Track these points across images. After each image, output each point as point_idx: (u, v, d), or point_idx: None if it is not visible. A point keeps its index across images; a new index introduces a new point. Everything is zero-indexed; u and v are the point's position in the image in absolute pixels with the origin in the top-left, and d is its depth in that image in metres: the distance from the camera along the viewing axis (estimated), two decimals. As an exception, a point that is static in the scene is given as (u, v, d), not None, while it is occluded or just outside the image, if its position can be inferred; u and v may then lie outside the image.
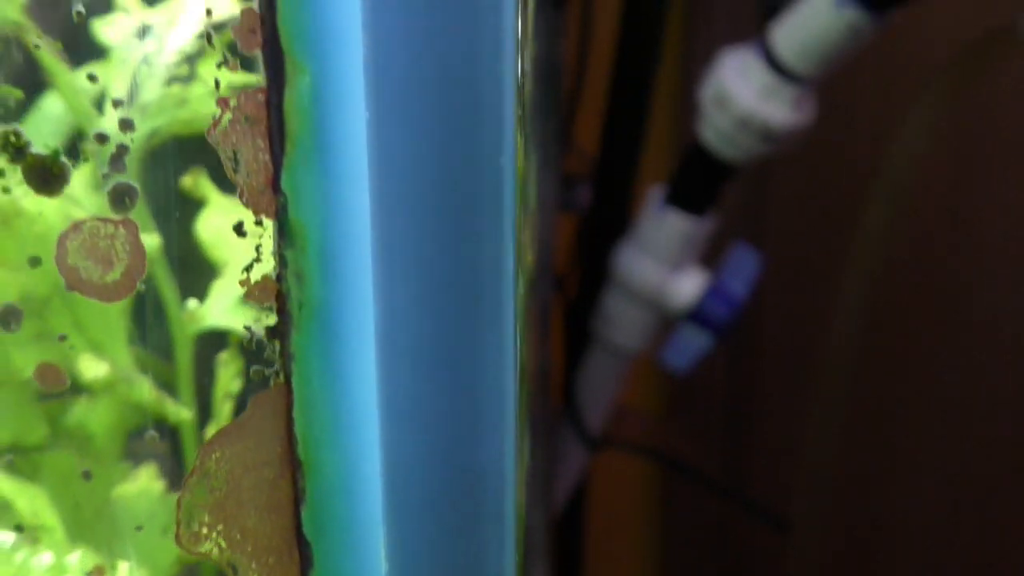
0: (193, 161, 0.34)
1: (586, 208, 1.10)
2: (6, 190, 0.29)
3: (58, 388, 0.34)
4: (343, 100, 0.30)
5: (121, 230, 0.31)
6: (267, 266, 0.31)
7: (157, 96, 0.32)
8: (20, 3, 0.30)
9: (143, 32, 0.32)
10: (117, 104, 0.32)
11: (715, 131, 0.89)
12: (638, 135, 1.03)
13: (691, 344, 0.98)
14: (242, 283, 0.31)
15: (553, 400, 1.14)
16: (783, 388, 1.31)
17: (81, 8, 0.30)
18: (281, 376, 0.32)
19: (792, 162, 1.05)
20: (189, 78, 0.34)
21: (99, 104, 0.32)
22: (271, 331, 0.32)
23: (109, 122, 0.31)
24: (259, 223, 0.31)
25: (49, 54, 0.31)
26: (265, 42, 0.29)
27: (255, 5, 0.29)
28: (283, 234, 0.31)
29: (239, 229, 0.30)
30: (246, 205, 0.31)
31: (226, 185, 0.31)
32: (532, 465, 0.92)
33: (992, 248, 1.14)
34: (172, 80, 0.33)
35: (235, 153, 0.30)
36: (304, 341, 0.32)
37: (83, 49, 0.32)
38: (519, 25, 0.32)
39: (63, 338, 0.35)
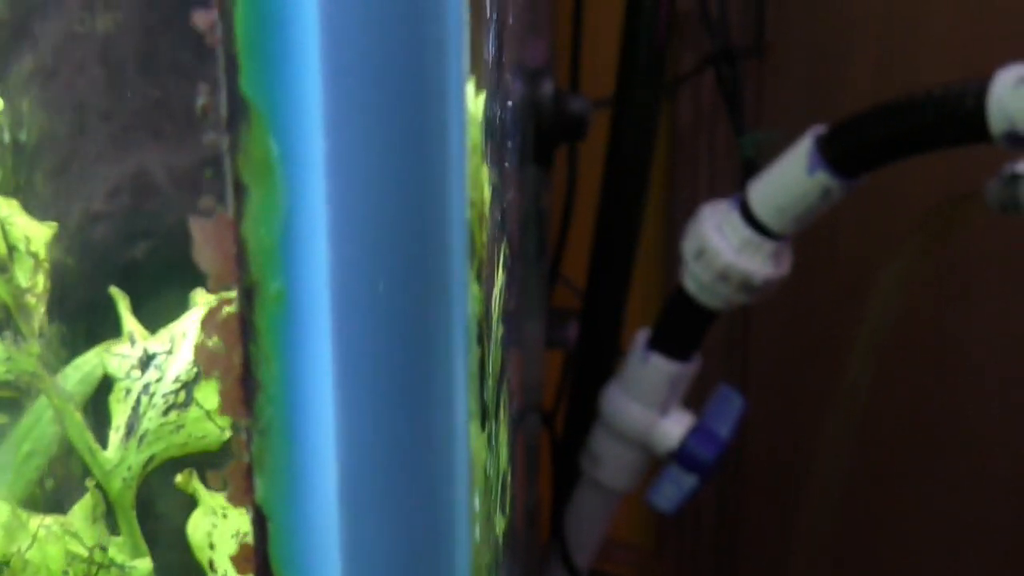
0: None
1: (574, 345, 1.13)
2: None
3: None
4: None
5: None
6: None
7: (156, 425, 0.35)
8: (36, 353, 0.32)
9: (145, 363, 0.35)
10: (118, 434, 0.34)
11: (697, 281, 0.92)
12: (624, 278, 1.06)
13: (677, 486, 0.99)
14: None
15: (542, 535, 1.15)
16: (770, 521, 1.32)
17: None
18: None
19: (774, 306, 1.08)
20: (186, 404, 0.36)
21: (103, 438, 0.34)
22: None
23: (111, 455, 0.33)
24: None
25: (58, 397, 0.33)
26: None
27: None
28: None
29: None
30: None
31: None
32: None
33: (971, 385, 1.16)
34: (170, 408, 0.35)
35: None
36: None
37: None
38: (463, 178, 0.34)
39: None
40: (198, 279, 0.34)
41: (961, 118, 0.72)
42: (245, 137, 0.29)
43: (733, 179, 1.04)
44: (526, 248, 0.99)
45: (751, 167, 0.92)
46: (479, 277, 0.41)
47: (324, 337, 0.30)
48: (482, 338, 0.41)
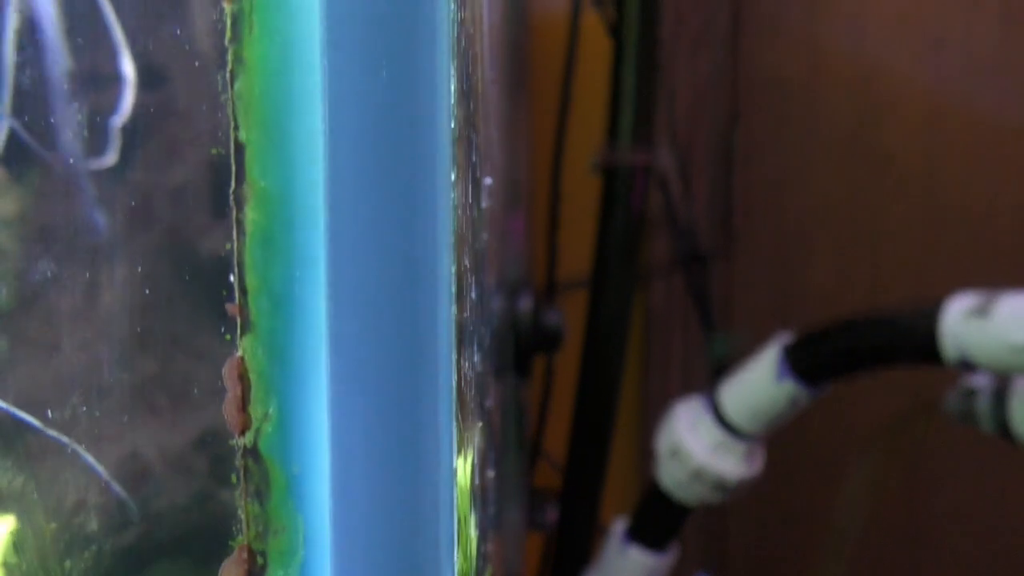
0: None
1: (553, 528, 1.15)
2: None
3: None
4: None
5: None
6: None
7: None
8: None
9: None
10: None
11: (671, 478, 0.95)
12: (601, 455, 1.09)
13: None
14: None
15: None
16: None
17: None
18: None
19: (750, 501, 1.11)
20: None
21: None
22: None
23: None
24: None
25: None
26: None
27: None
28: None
29: None
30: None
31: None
32: None
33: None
34: None
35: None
36: None
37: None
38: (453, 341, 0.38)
39: None
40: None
41: (915, 344, 0.77)
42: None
43: (706, 364, 1.08)
44: (507, 436, 1.02)
45: (721, 366, 0.96)
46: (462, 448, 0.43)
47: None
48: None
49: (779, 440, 0.94)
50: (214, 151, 0.34)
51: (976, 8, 1.24)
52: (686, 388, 1.20)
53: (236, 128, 0.33)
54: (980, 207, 1.23)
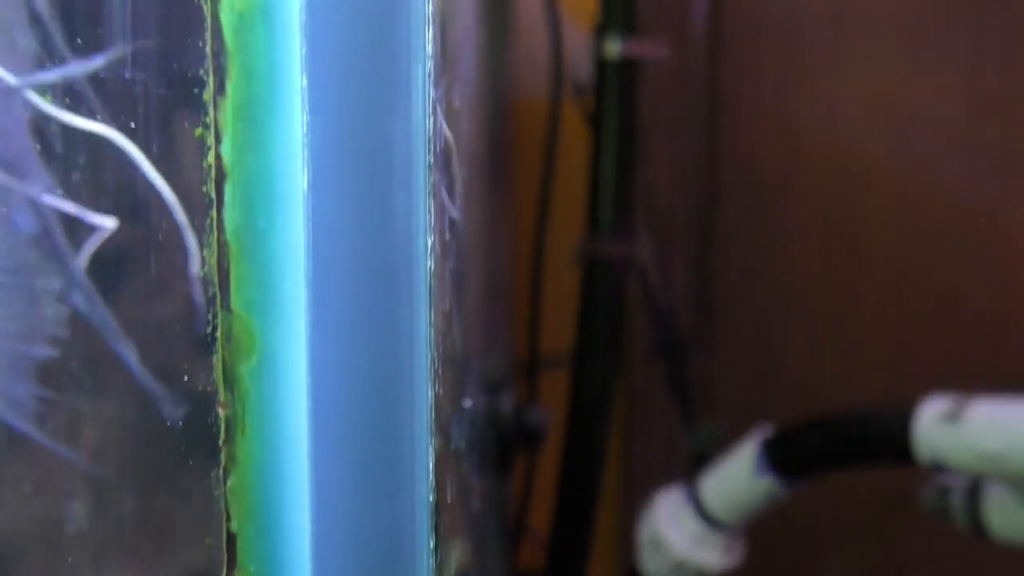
0: None
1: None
2: None
3: None
4: None
5: None
6: None
7: None
8: None
9: None
10: None
11: (654, 568, 0.96)
12: (583, 550, 1.10)
13: None
14: None
15: None
16: None
17: None
18: None
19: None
20: None
21: None
22: None
23: None
24: None
25: None
26: None
27: None
28: None
29: None
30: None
31: None
32: None
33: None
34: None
35: None
36: None
37: None
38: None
39: None
40: None
41: (890, 447, 0.79)
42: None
43: (687, 448, 1.09)
44: (490, 533, 1.03)
45: (702, 455, 0.97)
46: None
47: None
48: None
49: (760, 527, 0.95)
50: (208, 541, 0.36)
51: (945, 91, 1.27)
52: (669, 467, 1.22)
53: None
54: (951, 287, 1.25)
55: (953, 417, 0.76)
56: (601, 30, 1.01)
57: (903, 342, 1.23)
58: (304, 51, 0.35)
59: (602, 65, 1.02)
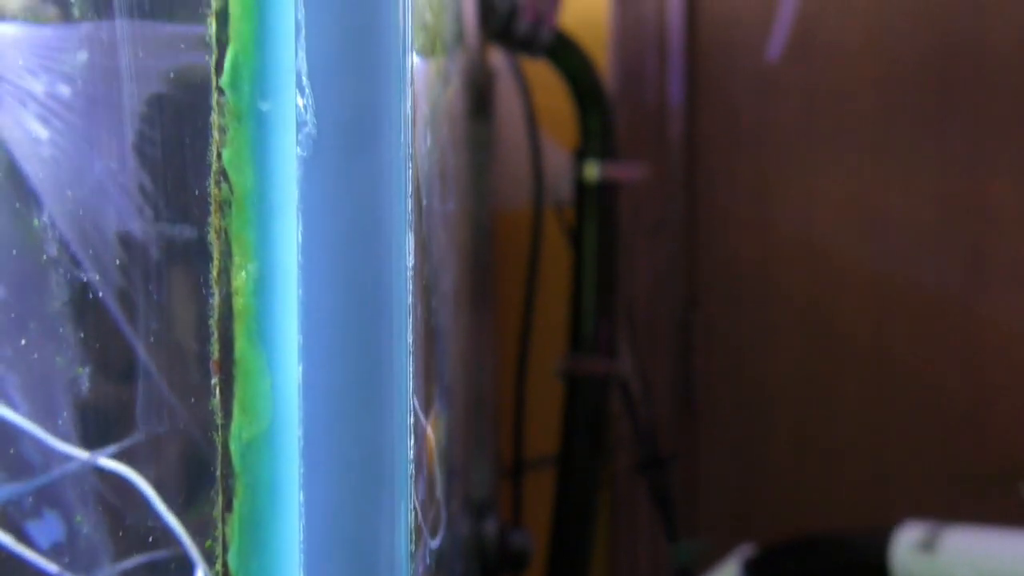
0: None
1: None
2: None
3: None
4: None
5: None
6: None
7: None
8: None
9: None
10: None
11: None
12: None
13: None
14: None
15: None
16: None
17: None
18: None
19: None
20: None
21: None
22: None
23: None
24: None
25: None
26: None
27: None
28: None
29: None
30: None
31: None
32: None
33: None
34: None
35: None
36: None
37: None
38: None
39: None
40: None
41: (867, 574, 0.81)
42: None
43: (671, 564, 1.11)
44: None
45: (685, 572, 0.99)
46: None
47: None
48: None
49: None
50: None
51: (915, 193, 1.31)
52: (654, 567, 1.23)
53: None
54: (928, 380, 1.28)
55: (927, 546, 0.78)
56: (581, 154, 1.05)
57: (884, 434, 1.25)
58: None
59: (581, 187, 1.05)
